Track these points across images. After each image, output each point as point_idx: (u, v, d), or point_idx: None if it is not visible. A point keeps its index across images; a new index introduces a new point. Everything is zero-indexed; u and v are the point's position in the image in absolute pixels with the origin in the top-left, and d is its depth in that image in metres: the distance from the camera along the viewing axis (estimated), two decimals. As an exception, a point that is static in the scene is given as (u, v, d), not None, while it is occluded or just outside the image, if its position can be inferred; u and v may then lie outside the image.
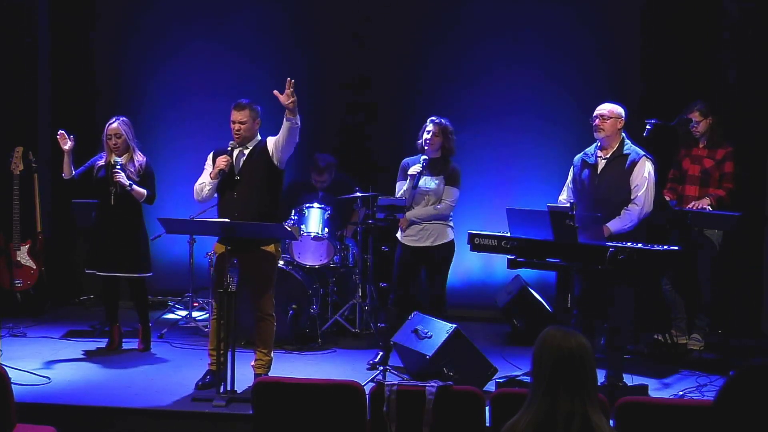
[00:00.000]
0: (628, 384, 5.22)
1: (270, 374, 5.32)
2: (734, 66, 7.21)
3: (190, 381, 5.39)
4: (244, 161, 5.39)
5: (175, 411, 4.95)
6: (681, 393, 5.35)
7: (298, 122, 5.19)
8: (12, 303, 6.76)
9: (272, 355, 5.44)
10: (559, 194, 5.75)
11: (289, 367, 5.80)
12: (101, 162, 6.12)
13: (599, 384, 2.87)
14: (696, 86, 7.15)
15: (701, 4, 7.38)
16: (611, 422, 3.32)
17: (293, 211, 6.76)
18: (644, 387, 5.28)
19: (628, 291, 5.35)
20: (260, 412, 3.79)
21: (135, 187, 5.98)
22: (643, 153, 5.43)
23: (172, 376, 5.65)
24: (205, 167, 5.49)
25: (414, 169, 5.84)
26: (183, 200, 6.88)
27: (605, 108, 5.46)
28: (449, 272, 6.04)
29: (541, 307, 6.81)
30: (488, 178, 7.66)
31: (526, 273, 6.74)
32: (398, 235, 6.02)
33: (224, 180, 5.36)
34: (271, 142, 5.36)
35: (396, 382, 3.86)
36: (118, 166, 5.96)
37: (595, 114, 5.46)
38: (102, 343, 6.30)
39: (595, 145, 5.54)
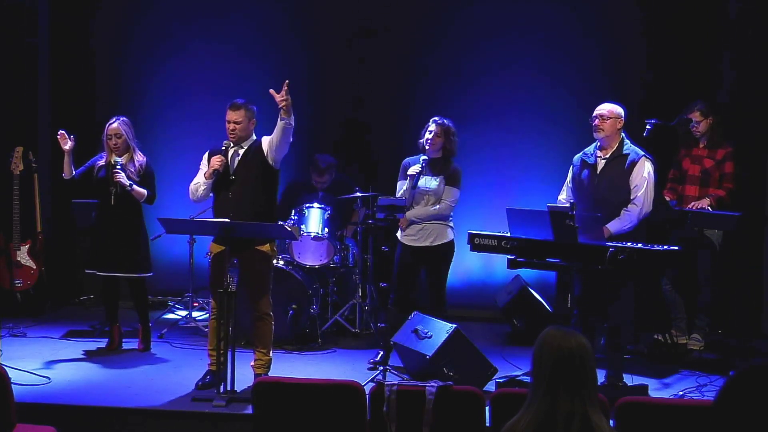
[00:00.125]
0: (628, 384, 5.22)
1: (270, 374, 5.32)
2: (734, 66, 7.21)
3: (190, 381, 5.39)
4: (239, 161, 5.39)
5: (175, 411, 4.95)
6: (681, 393, 5.35)
7: (292, 122, 5.19)
8: (12, 303, 6.76)
9: (271, 354, 5.44)
10: (558, 194, 5.75)
11: (289, 367, 5.80)
12: (101, 162, 6.12)
13: (599, 384, 2.87)
14: (696, 86, 7.15)
15: (701, 4, 7.38)
16: (611, 422, 3.32)
17: (293, 211, 6.76)
18: (644, 387, 5.28)
19: (628, 291, 5.35)
20: (260, 412, 3.79)
21: (135, 187, 5.98)
22: (643, 153, 5.42)
23: (172, 376, 5.65)
24: (200, 167, 5.50)
25: (413, 169, 5.85)
26: (183, 200, 6.84)
27: (605, 108, 5.45)
28: (449, 272, 6.04)
29: (541, 307, 6.81)
30: (488, 178, 7.66)
31: (526, 273, 6.74)
32: (398, 234, 6.02)
33: (219, 180, 5.37)
34: (265, 141, 5.37)
35: (396, 382, 3.86)
36: (119, 166, 5.96)
37: (594, 114, 5.46)
38: (102, 343, 6.30)
39: (594, 145, 5.54)
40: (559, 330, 2.60)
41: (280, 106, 5.10)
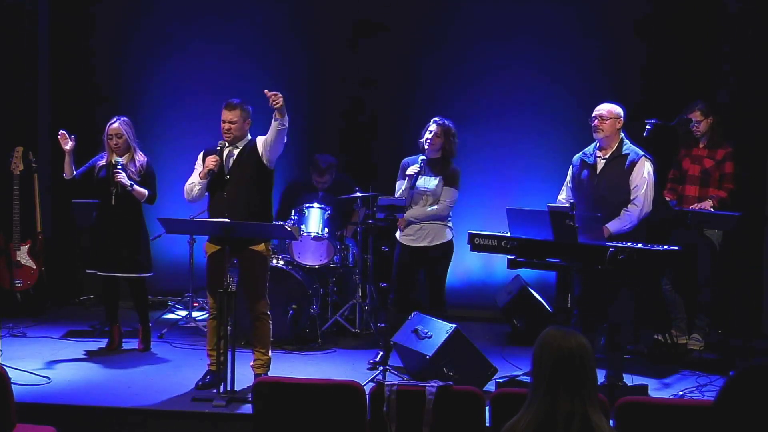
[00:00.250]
0: (628, 384, 5.22)
1: (270, 374, 5.32)
2: (734, 66, 7.21)
3: (190, 381, 5.39)
4: (234, 161, 5.40)
5: (175, 411, 4.95)
6: (681, 393, 5.35)
7: (286, 123, 5.20)
8: (12, 303, 6.76)
9: (270, 354, 5.44)
10: (558, 194, 5.76)
11: (289, 367, 5.80)
12: (102, 162, 6.12)
13: (599, 384, 2.87)
14: (696, 86, 7.15)
15: (701, 4, 7.38)
16: (611, 422, 3.32)
17: (293, 211, 6.76)
18: (644, 387, 5.28)
19: (629, 291, 5.34)
20: (260, 412, 3.79)
21: (136, 187, 5.98)
22: (643, 153, 5.42)
23: (172, 376, 5.65)
24: (195, 167, 5.50)
25: (412, 170, 5.85)
26: (183, 200, 6.85)
27: (604, 108, 5.45)
28: (449, 272, 6.04)
29: (541, 307, 6.81)
30: (488, 178, 7.66)
31: (526, 273, 6.75)
32: (397, 234, 6.02)
33: (214, 180, 5.37)
34: (260, 141, 5.38)
35: (396, 382, 3.86)
36: (119, 166, 5.96)
37: (593, 114, 5.45)
38: (102, 343, 6.30)
39: (594, 145, 5.54)
40: (559, 330, 2.60)
41: (272, 107, 5.11)
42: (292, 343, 6.37)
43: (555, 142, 7.39)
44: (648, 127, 6.01)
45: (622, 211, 5.35)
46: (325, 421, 3.72)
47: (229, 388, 5.00)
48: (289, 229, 5.57)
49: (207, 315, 5.80)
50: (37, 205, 6.94)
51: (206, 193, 5.46)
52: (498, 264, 6.66)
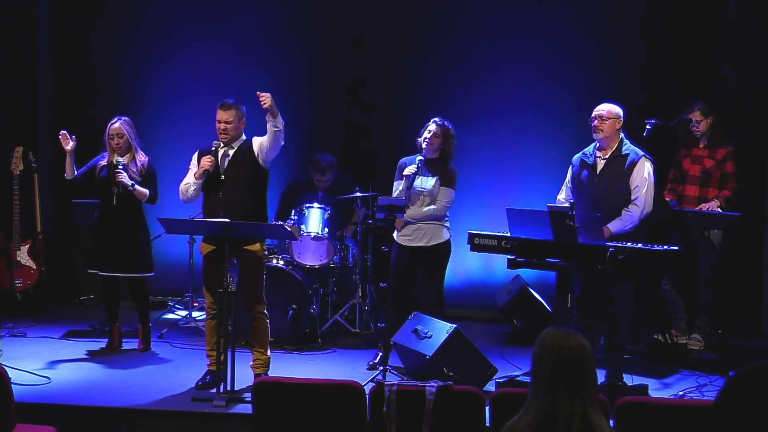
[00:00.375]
0: (628, 384, 5.22)
1: (270, 374, 5.32)
2: (734, 66, 7.21)
3: (190, 381, 5.39)
4: (229, 161, 5.40)
5: (175, 411, 4.95)
6: (681, 393, 5.36)
7: (280, 125, 5.20)
8: (12, 303, 6.76)
9: (270, 353, 5.44)
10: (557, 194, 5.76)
11: (289, 367, 5.80)
12: (103, 162, 6.12)
13: (599, 384, 2.87)
14: (696, 86, 7.15)
15: (701, 4, 7.38)
16: (611, 422, 3.32)
17: (293, 211, 6.76)
18: (644, 387, 5.28)
19: (628, 291, 5.35)
20: (260, 412, 3.79)
21: (137, 187, 5.98)
22: (642, 153, 5.42)
23: (172, 376, 5.65)
24: (190, 167, 5.51)
25: (409, 170, 5.85)
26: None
27: (604, 108, 5.44)
28: (447, 272, 6.04)
29: (541, 307, 6.81)
30: (488, 178, 7.66)
31: (526, 273, 6.74)
32: (394, 235, 6.02)
33: (209, 180, 5.37)
34: (256, 142, 5.38)
35: (396, 382, 3.86)
36: (121, 166, 5.96)
37: (593, 114, 5.45)
38: (102, 343, 6.30)
39: (593, 145, 5.53)
40: (559, 330, 2.60)
41: (263, 107, 5.11)
42: (292, 343, 6.37)
43: (555, 142, 7.39)
44: (648, 127, 6.01)
45: (623, 212, 5.35)
46: (325, 421, 3.72)
47: (229, 388, 5.01)
48: (289, 229, 5.57)
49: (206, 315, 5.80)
50: (37, 205, 6.94)
51: (201, 194, 5.46)
52: (498, 264, 6.66)
